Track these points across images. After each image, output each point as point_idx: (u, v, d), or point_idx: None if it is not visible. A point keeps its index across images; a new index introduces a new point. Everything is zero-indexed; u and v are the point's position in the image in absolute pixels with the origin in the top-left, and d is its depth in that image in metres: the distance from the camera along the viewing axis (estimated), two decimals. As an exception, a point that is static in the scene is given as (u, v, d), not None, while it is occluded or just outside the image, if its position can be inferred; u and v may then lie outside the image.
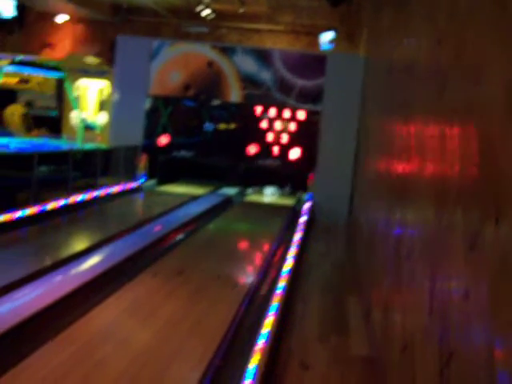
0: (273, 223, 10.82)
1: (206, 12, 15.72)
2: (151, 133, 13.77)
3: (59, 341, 4.51)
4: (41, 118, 15.85)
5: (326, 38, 16.05)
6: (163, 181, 13.69)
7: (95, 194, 10.60)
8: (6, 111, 15.53)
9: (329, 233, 10.76)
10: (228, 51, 13.50)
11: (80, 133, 11.82)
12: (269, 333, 4.77)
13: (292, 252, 7.78)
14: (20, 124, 15.31)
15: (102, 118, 14.60)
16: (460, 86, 2.76)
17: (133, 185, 12.53)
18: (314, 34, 16.26)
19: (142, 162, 13.21)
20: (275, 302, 5.59)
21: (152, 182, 13.40)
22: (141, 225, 9.02)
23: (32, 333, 4.57)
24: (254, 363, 4.10)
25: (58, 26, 17.76)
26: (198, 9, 15.48)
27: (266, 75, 13.27)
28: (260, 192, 14.00)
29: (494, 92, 2.11)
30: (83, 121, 11.68)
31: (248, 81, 13.36)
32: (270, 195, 13.96)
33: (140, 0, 15.69)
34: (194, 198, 12.21)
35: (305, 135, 13.40)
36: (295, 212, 11.67)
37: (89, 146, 11.95)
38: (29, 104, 16.47)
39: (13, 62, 12.01)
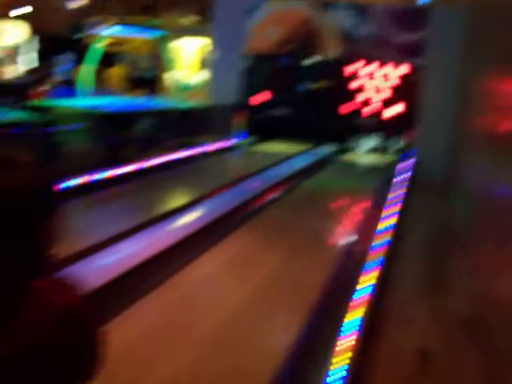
0: (371, 180, 10.60)
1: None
2: (248, 91, 13.75)
3: (160, 293, 4.63)
4: (140, 79, 16.22)
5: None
6: (260, 138, 13.69)
7: (193, 151, 10.76)
8: (107, 73, 16.01)
9: (429, 190, 10.40)
10: (326, 6, 13.15)
11: (179, 92, 11.97)
12: (368, 288, 4.69)
13: (391, 209, 7.59)
14: (121, 85, 15.76)
15: (199, 77, 14.73)
16: None
17: (230, 143, 12.62)
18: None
19: (239, 120, 13.25)
20: (374, 259, 5.49)
21: (249, 139, 13.43)
22: (238, 182, 9.08)
23: (135, 283, 4.73)
24: (353, 317, 4.05)
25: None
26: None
27: (364, 30, 12.86)
28: (358, 149, 13.72)
29: None
30: (181, 80, 11.81)
31: (346, 36, 13.00)
32: (367, 152, 13.66)
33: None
34: (291, 156, 12.14)
35: (404, 91, 12.94)
36: (394, 169, 11.36)
37: (187, 104, 12.10)
38: (129, 65, 16.88)
39: (113, 25, 12.28)
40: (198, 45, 16.04)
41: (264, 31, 13.46)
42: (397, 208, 7.69)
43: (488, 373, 3.76)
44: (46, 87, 14.47)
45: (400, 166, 11.48)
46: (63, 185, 6.64)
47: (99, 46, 11.69)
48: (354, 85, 13.20)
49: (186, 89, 14.28)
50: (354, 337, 3.82)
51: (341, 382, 3.32)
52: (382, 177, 10.78)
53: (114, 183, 8.08)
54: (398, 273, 5.68)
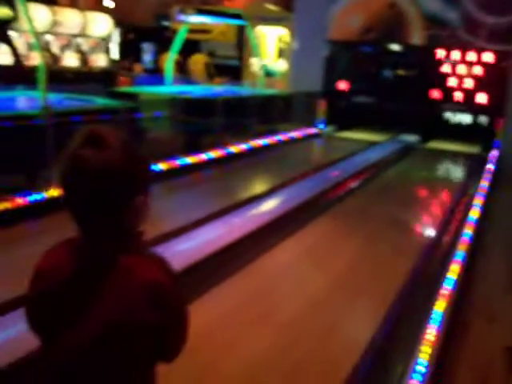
0: (455, 171, 10.28)
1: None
2: (330, 78, 13.59)
3: (239, 278, 4.66)
4: (222, 66, 16.36)
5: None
6: (342, 127, 13.52)
7: (275, 139, 10.77)
8: (190, 60, 16.25)
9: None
10: (412, -10, 12.77)
11: (260, 79, 11.98)
12: (451, 280, 4.54)
13: (475, 201, 7.32)
14: (203, 72, 15.95)
15: (280, 65, 14.70)
16: None
17: (312, 130, 12.54)
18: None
19: (321, 107, 13.13)
20: (457, 251, 5.31)
21: (331, 127, 13.30)
22: (319, 169, 9.02)
23: (213, 269, 4.77)
24: (436, 310, 3.94)
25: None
26: None
27: (452, 13, 12.39)
28: (443, 137, 13.29)
29: None
30: (263, 67, 11.82)
31: (432, 21, 12.58)
32: (452, 141, 13.21)
33: None
34: (373, 144, 11.94)
35: (492, 79, 12.39)
36: (480, 160, 10.95)
37: (269, 92, 12.10)
38: (211, 53, 17.07)
39: (196, 13, 12.41)
40: (277, 34, 16.00)
41: (347, 18, 13.25)
42: (481, 200, 7.41)
43: None
44: (131, 75, 14.85)
45: (485, 157, 11.06)
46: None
47: (182, 35, 11.85)
48: (441, 71, 12.77)
49: (271, 75, 14.28)
50: (437, 330, 3.71)
51: (423, 376, 3.23)
52: (467, 167, 10.42)
53: (196, 169, 8.21)
54: (481, 266, 5.48)
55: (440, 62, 12.76)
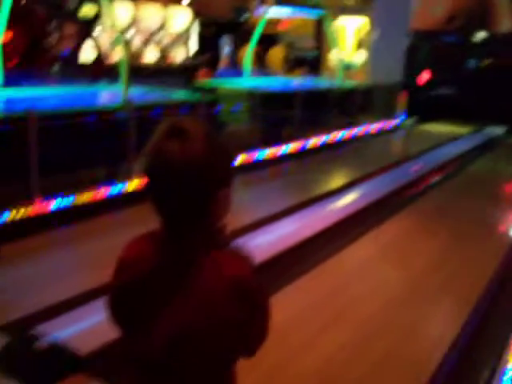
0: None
1: None
2: (411, 70, 13.24)
3: (315, 274, 4.58)
4: (300, 59, 16.25)
5: None
6: (423, 119, 13.15)
7: (354, 131, 10.61)
8: (269, 53, 16.23)
9: None
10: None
11: (339, 72, 11.82)
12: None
13: None
14: (281, 65, 15.90)
15: (360, 57, 14.46)
16: None
17: (392, 123, 12.27)
18: None
19: (402, 100, 12.82)
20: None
21: (411, 120, 12.97)
22: (399, 163, 8.81)
23: (290, 264, 4.72)
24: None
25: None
26: None
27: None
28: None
29: None
30: (342, 60, 11.65)
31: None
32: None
33: None
34: (456, 138, 11.54)
35: None
36: None
37: (348, 84, 11.92)
38: (289, 46, 16.99)
39: (275, 4, 12.37)
40: (356, 24, 15.73)
41: (429, 7, 12.85)
42: None
43: None
44: (210, 69, 14.99)
45: None
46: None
47: (261, 28, 11.84)
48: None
49: (350, 67, 14.07)
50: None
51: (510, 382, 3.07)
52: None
53: (275, 162, 8.19)
54: None
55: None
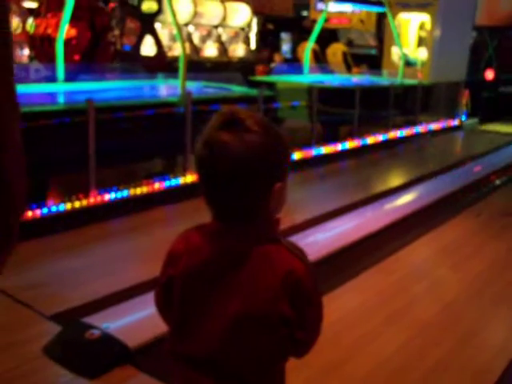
0: None
1: None
2: (475, 67, 12.85)
3: (371, 274, 4.48)
4: (360, 56, 16.04)
5: None
6: (487, 119, 12.75)
7: (414, 130, 10.39)
8: (328, 50, 16.07)
9: None
10: None
11: (401, 69, 11.58)
12: None
13: None
14: (341, 62, 15.71)
15: (422, 54, 14.13)
16: None
17: (453, 122, 11.95)
18: None
19: (464, 98, 12.46)
20: None
21: (474, 119, 12.59)
22: (461, 163, 8.57)
23: (346, 262, 4.63)
24: None
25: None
26: None
27: None
28: None
29: None
30: (404, 56, 11.40)
31: None
32: None
33: None
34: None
35: None
36: None
37: (409, 82, 11.67)
38: (349, 42, 16.79)
39: (336, 0, 12.24)
40: (417, 20, 15.39)
41: (497, 1, 12.43)
42: None
43: None
44: (270, 65, 14.96)
45: None
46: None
47: (320, 24, 11.71)
48: None
49: (412, 64, 13.78)
50: None
51: None
52: None
53: (332, 160, 8.09)
54: None
55: None
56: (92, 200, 5.13)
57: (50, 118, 4.98)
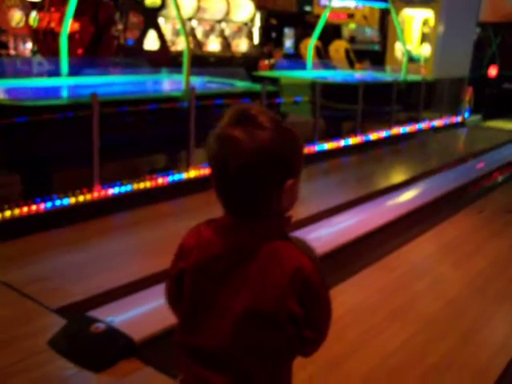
0: None
1: None
2: (478, 64, 12.82)
3: (373, 271, 4.48)
4: (363, 52, 16.02)
5: None
6: (489, 115, 12.73)
7: (417, 126, 10.38)
8: (330, 47, 16.05)
9: None
10: None
11: (404, 65, 11.56)
12: None
13: None
14: (343, 59, 15.69)
15: (425, 50, 14.11)
16: None
17: (456, 119, 11.94)
18: None
19: (467, 95, 12.44)
20: None
21: (477, 116, 12.57)
22: (464, 160, 8.56)
23: (349, 258, 4.64)
24: None
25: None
26: None
27: None
28: None
29: None
30: (408, 53, 11.38)
31: None
32: None
33: None
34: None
35: None
36: None
37: (412, 78, 11.66)
38: (351, 39, 16.77)
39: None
40: (421, 17, 15.35)
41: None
42: None
43: None
44: (272, 60, 14.95)
45: None
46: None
47: (323, 20, 11.70)
48: None
49: (415, 60, 13.76)
50: None
51: None
52: None
53: (334, 155, 8.09)
54: None
55: None
56: (96, 194, 5.14)
57: (54, 112, 4.99)
